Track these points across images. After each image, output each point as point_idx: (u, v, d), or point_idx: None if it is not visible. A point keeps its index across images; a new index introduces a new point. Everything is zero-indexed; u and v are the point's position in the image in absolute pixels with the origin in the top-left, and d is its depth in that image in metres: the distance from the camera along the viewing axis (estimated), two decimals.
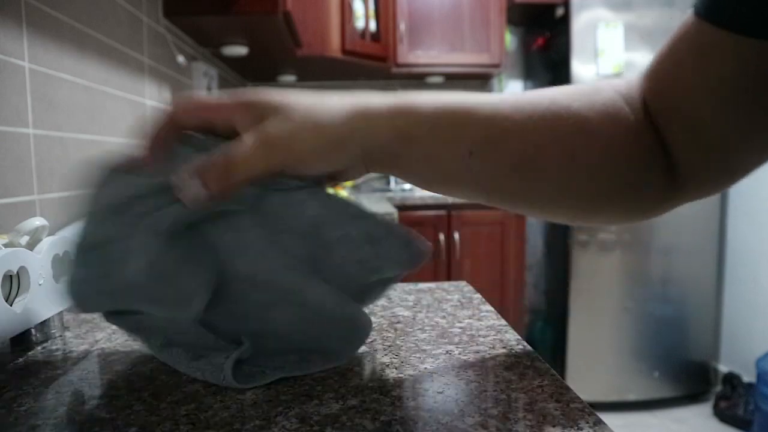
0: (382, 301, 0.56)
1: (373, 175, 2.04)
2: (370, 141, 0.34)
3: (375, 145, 0.34)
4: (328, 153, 0.32)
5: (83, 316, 0.53)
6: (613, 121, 0.36)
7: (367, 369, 0.38)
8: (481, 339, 0.43)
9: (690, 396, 2.28)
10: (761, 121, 0.35)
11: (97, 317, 0.52)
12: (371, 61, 2.29)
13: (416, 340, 0.44)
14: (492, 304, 0.54)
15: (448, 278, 2.23)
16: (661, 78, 0.37)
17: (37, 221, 0.45)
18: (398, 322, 0.48)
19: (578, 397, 0.32)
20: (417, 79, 2.68)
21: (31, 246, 0.45)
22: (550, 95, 0.37)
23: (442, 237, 2.22)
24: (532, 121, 0.35)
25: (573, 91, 0.38)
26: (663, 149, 0.38)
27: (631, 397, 2.23)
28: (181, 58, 1.47)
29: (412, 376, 0.36)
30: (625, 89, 0.38)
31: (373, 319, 0.50)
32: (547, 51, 2.43)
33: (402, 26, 2.39)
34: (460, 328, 0.46)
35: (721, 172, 0.39)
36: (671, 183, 0.39)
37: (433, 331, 0.46)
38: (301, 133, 0.31)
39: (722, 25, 0.32)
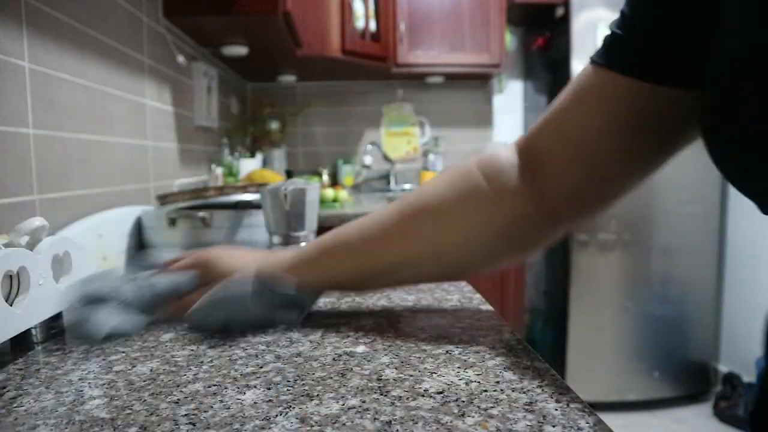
0: (382, 302, 0.56)
1: (373, 175, 2.05)
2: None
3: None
4: None
5: None
6: (468, 201, 0.46)
7: (367, 369, 0.38)
8: (481, 339, 0.43)
9: (690, 396, 2.28)
10: (640, 154, 0.43)
11: None
12: (371, 61, 2.29)
13: (416, 340, 0.44)
14: (492, 304, 0.54)
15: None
16: (561, 122, 0.45)
17: (37, 221, 0.45)
18: (398, 322, 0.48)
19: (578, 397, 0.32)
20: (417, 79, 2.69)
21: (31, 246, 0.45)
22: (411, 202, 0.48)
23: None
24: (385, 233, 0.48)
25: (430, 189, 0.48)
26: (529, 200, 0.46)
27: (631, 397, 2.23)
28: (181, 58, 1.47)
29: (412, 376, 0.36)
30: (488, 161, 0.48)
31: (373, 319, 0.50)
32: (547, 51, 2.43)
33: (402, 26, 2.38)
34: (460, 328, 0.46)
35: (599, 199, 0.46)
36: (541, 224, 0.47)
37: (433, 331, 0.46)
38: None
39: (620, 71, 0.40)
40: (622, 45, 0.41)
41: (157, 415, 0.31)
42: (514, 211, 0.46)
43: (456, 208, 0.46)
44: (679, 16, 0.37)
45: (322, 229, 0.88)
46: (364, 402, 0.32)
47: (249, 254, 0.54)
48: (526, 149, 0.47)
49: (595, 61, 0.43)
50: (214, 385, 0.35)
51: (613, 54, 0.41)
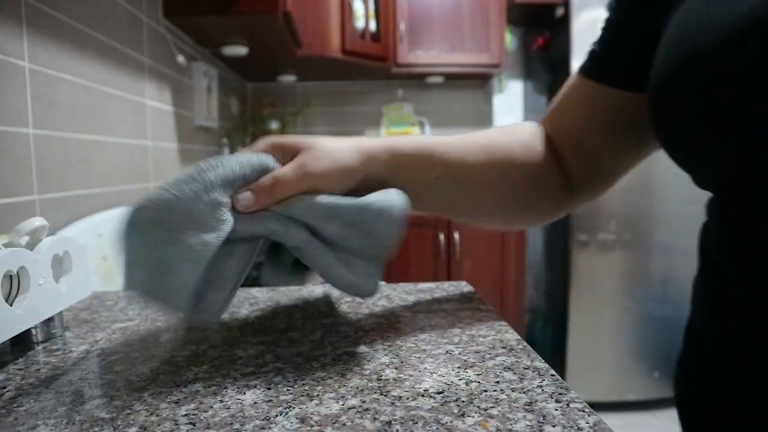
0: (382, 301, 0.56)
1: None
2: (369, 171, 0.45)
3: (372, 174, 0.45)
4: (341, 179, 0.43)
5: (83, 315, 0.53)
6: (529, 151, 0.52)
7: (367, 369, 0.38)
8: (481, 339, 0.43)
9: None
10: (623, 145, 0.51)
11: (97, 317, 0.52)
12: (371, 61, 2.29)
13: (416, 340, 0.44)
14: (492, 304, 0.54)
15: (448, 278, 2.23)
16: (559, 118, 0.54)
17: (37, 221, 0.45)
18: (398, 322, 0.48)
19: (578, 397, 0.32)
20: (417, 79, 2.69)
21: (31, 246, 0.45)
22: (488, 135, 0.53)
23: (442, 237, 2.22)
24: (474, 155, 0.50)
25: (504, 130, 0.54)
26: (561, 169, 0.54)
27: (631, 397, 2.23)
28: (181, 58, 1.47)
29: (412, 376, 0.36)
30: (539, 127, 0.55)
31: (373, 319, 0.50)
32: (547, 51, 2.42)
33: (402, 26, 2.38)
34: (460, 328, 0.46)
35: (600, 179, 0.55)
36: (567, 193, 0.55)
37: (433, 331, 0.46)
38: (323, 165, 0.42)
39: (598, 80, 0.49)
40: (597, 58, 0.50)
41: (157, 415, 0.31)
42: (559, 176, 0.54)
43: (525, 165, 0.52)
44: (636, 35, 0.45)
45: None
46: (364, 402, 0.32)
47: (335, 139, 0.46)
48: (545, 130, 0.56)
49: (578, 70, 0.52)
50: (214, 385, 0.35)
51: (590, 65, 0.51)
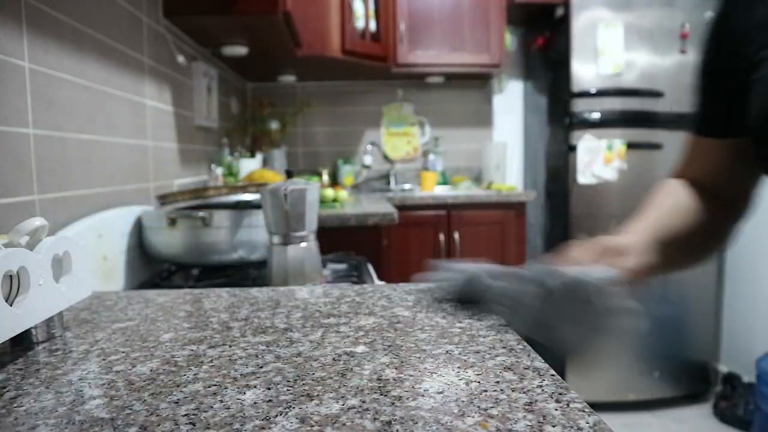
0: (382, 301, 0.56)
1: (373, 175, 2.05)
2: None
3: None
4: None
5: (83, 315, 0.53)
6: (693, 212, 0.62)
7: (367, 369, 0.38)
8: (481, 339, 0.43)
9: (690, 396, 2.28)
10: (753, 178, 0.61)
11: (97, 317, 0.52)
12: (371, 61, 2.29)
13: (416, 340, 0.44)
14: None
15: None
16: (690, 172, 0.64)
17: (37, 221, 0.45)
18: (398, 322, 0.48)
19: (578, 397, 0.32)
20: (417, 79, 2.68)
21: (31, 246, 0.45)
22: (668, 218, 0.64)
23: (442, 237, 2.22)
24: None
25: (670, 209, 0.64)
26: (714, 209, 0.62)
27: (631, 397, 2.23)
28: (181, 58, 1.47)
29: (412, 376, 0.36)
30: (677, 182, 0.64)
31: (372, 319, 0.50)
32: (547, 51, 2.42)
33: (402, 26, 2.38)
34: (460, 328, 0.46)
35: (742, 204, 0.64)
36: (731, 222, 0.64)
37: (433, 331, 0.46)
38: None
39: (703, 135, 0.61)
40: (701, 118, 0.61)
41: (157, 415, 0.31)
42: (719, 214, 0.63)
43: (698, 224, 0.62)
44: (725, 95, 0.56)
45: (321, 229, 0.89)
46: (364, 402, 0.32)
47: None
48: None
49: (691, 131, 0.62)
50: (214, 385, 0.35)
51: (698, 125, 0.61)
